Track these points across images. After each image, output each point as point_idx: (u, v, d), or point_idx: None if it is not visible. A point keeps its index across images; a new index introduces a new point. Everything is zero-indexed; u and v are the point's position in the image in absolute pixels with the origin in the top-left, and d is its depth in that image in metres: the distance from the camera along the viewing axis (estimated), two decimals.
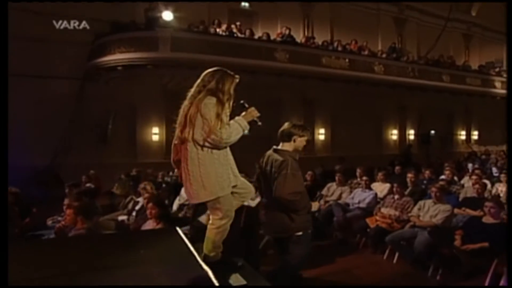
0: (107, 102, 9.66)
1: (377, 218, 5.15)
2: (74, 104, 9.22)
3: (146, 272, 2.23)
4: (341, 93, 12.04)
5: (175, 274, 2.25)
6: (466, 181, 6.74)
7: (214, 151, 2.14)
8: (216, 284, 2.09)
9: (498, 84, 15.13)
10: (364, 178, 6.10)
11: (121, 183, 8.01)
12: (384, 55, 11.91)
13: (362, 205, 5.76)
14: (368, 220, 5.22)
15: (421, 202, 4.88)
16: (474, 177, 6.00)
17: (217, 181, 2.13)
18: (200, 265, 2.33)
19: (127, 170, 9.39)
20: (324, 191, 6.68)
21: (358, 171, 7.36)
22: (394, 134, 15.08)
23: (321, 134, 13.18)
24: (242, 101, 2.35)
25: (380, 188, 6.64)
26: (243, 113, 2.26)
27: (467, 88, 14.01)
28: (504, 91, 15.15)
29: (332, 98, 12.62)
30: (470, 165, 9.18)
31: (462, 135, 17.19)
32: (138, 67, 7.94)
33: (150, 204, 4.15)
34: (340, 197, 6.33)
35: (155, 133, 10.67)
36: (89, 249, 2.79)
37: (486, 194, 5.67)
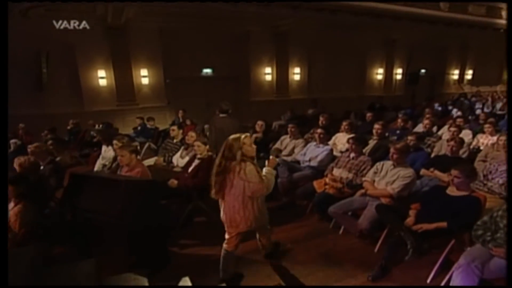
0: (33, 40, 8.12)
1: (327, 180, 4.22)
2: None
3: None
4: (317, 25, 10.31)
5: None
6: (446, 131, 5.72)
7: None
8: None
9: (504, 13, 13.04)
10: (319, 130, 4.99)
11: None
12: None
13: (313, 163, 4.78)
14: (315, 184, 4.30)
15: (378, 165, 3.90)
16: (452, 129, 4.95)
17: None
18: None
19: (74, 120, 8.29)
20: (277, 144, 5.68)
21: (321, 119, 6.30)
22: (379, 74, 13.57)
23: (296, 73, 11.73)
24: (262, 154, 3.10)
25: (343, 140, 5.62)
26: (267, 162, 2.83)
27: (468, 18, 12.04)
28: None
29: (307, 31, 10.90)
30: (455, 110, 8.02)
31: (455, 74, 15.64)
32: None
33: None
34: (292, 152, 5.35)
35: (102, 77, 9.27)
36: None
37: (464, 149, 4.68)
